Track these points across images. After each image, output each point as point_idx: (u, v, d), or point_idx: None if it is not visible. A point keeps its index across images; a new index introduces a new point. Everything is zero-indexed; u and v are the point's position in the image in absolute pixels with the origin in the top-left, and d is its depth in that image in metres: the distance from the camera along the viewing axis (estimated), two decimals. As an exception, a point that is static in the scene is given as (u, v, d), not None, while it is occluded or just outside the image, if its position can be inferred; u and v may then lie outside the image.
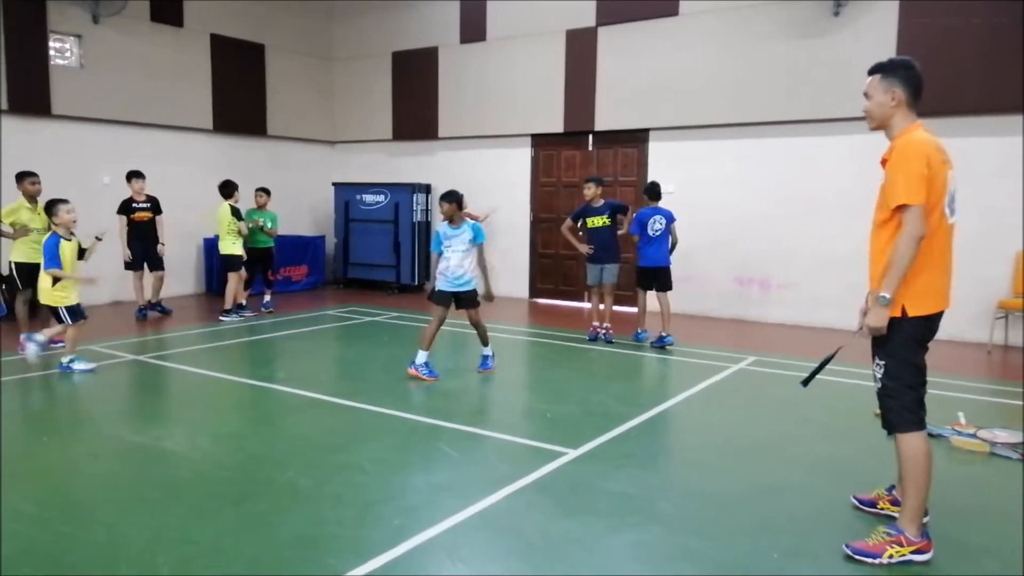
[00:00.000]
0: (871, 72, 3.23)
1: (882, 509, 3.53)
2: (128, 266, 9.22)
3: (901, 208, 2.98)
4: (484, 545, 3.25)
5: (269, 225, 9.58)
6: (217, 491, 3.80)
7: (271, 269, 9.87)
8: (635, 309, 8.47)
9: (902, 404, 3.10)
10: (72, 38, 10.07)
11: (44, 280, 6.28)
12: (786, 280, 9.44)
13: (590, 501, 3.72)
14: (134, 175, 9.18)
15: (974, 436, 4.69)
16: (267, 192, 9.79)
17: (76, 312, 6.33)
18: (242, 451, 4.47)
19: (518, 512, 3.59)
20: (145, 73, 10.77)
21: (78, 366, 6.25)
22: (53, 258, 6.16)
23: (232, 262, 9.15)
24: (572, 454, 4.37)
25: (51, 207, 6.34)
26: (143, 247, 9.20)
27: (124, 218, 9.05)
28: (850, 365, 5.98)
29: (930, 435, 4.72)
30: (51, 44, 9.82)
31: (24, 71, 9.47)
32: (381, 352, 7.52)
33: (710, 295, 10.05)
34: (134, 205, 9.14)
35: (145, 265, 9.29)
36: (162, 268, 9.41)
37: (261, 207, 9.67)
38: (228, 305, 9.06)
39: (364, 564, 3.00)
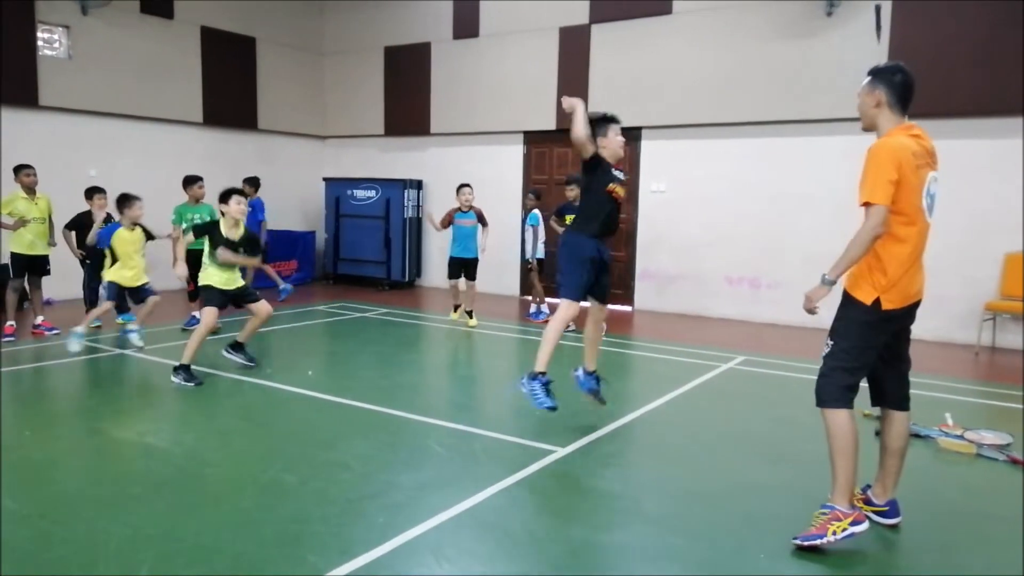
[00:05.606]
0: (867, 74, 3.37)
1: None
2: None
3: (866, 205, 3.11)
4: (470, 544, 3.22)
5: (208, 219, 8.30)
6: (200, 487, 3.76)
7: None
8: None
9: (835, 383, 3.21)
10: (60, 29, 9.97)
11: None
12: (776, 279, 9.45)
13: (577, 499, 3.71)
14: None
15: (961, 437, 4.70)
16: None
17: (111, 291, 6.91)
18: (226, 447, 4.43)
19: (505, 510, 3.56)
20: (134, 65, 10.68)
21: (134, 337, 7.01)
22: (104, 240, 6.97)
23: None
24: (560, 452, 4.35)
25: (123, 201, 7.03)
26: None
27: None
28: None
29: (917, 436, 4.78)
30: (39, 35, 9.73)
31: (12, 62, 9.36)
32: (370, 349, 7.48)
33: (700, 294, 10.05)
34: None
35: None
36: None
37: (198, 200, 8.26)
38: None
39: (348, 563, 2.96)
